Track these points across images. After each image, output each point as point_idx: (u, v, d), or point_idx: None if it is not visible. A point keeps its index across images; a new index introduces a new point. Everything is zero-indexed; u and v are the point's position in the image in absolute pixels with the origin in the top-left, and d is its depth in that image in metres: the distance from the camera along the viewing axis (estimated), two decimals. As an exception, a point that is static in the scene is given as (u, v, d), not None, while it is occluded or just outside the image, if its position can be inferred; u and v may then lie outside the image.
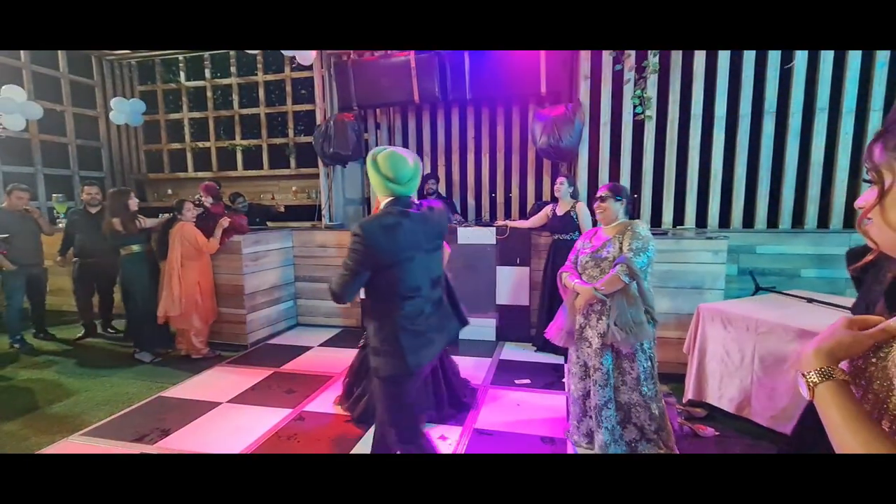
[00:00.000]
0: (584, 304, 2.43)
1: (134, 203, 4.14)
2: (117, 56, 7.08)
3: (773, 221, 4.33)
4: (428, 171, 5.55)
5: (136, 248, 4.08)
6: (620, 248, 2.35)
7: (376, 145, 5.72)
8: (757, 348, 2.72)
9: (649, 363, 2.38)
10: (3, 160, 5.91)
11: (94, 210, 4.56)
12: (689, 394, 3.07)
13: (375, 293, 1.79)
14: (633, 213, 2.53)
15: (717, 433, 2.76)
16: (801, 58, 4.06)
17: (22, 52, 6.10)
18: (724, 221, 4.43)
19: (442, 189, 5.58)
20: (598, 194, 2.47)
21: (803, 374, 0.69)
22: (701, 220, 4.46)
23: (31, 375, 3.78)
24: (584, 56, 4.49)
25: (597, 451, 2.49)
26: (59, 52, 6.57)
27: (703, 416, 2.99)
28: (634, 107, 4.35)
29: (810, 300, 3.05)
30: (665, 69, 4.32)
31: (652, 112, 4.34)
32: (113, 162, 7.38)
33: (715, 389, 2.95)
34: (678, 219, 4.50)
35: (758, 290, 3.65)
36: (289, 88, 6.69)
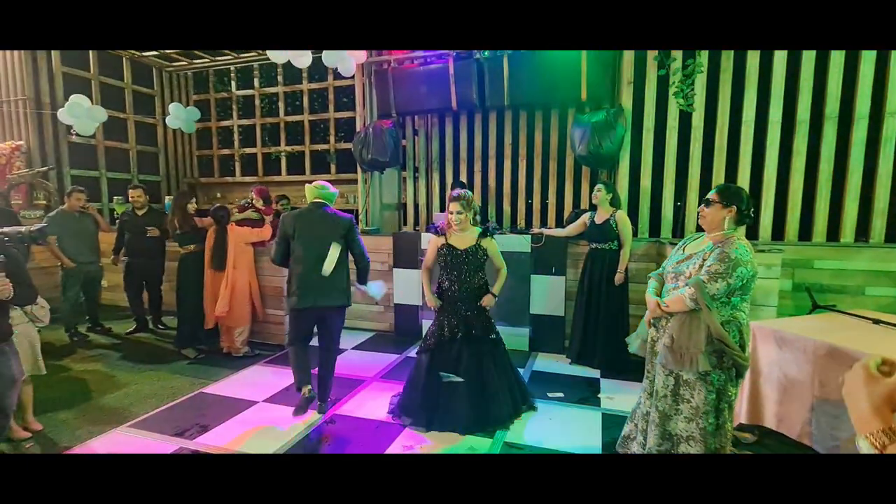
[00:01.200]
0: (648, 317, 2.27)
1: (192, 206, 4.42)
2: (175, 67, 7.53)
3: (833, 234, 4.01)
4: (464, 178, 5.54)
5: (193, 247, 4.28)
6: (701, 267, 2.04)
7: (414, 152, 5.78)
8: (816, 372, 2.50)
9: (714, 396, 2.09)
10: (72, 164, 6.40)
11: (140, 212, 4.80)
12: (741, 417, 2.86)
13: (291, 257, 3.04)
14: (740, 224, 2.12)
15: (766, 461, 2.56)
16: (867, 59, 3.76)
17: (91, 64, 6.59)
18: (779, 233, 4.15)
19: (477, 197, 5.55)
20: (706, 196, 2.14)
21: (868, 437, 0.60)
22: (752, 232, 4.20)
23: (86, 367, 4.04)
24: (628, 60, 4.35)
25: None
26: (125, 63, 7.06)
27: (752, 443, 2.79)
28: (678, 103, 4.15)
29: (877, 321, 2.79)
30: (715, 70, 4.12)
31: (695, 105, 4.13)
32: (169, 166, 7.84)
33: (772, 413, 2.74)
34: (727, 230, 4.25)
35: (815, 307, 3.38)
36: (331, 96, 6.88)
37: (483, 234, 2.91)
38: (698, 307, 2.01)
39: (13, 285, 1.96)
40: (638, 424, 2.46)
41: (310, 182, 3.22)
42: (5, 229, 2.14)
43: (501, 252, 4.27)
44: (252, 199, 4.56)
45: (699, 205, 2.23)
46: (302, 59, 4.68)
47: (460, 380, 2.90)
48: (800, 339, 2.60)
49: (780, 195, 4.11)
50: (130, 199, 4.86)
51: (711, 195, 2.13)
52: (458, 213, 2.83)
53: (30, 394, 2.86)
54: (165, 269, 5.04)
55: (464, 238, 2.89)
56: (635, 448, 2.46)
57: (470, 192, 2.95)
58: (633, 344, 2.47)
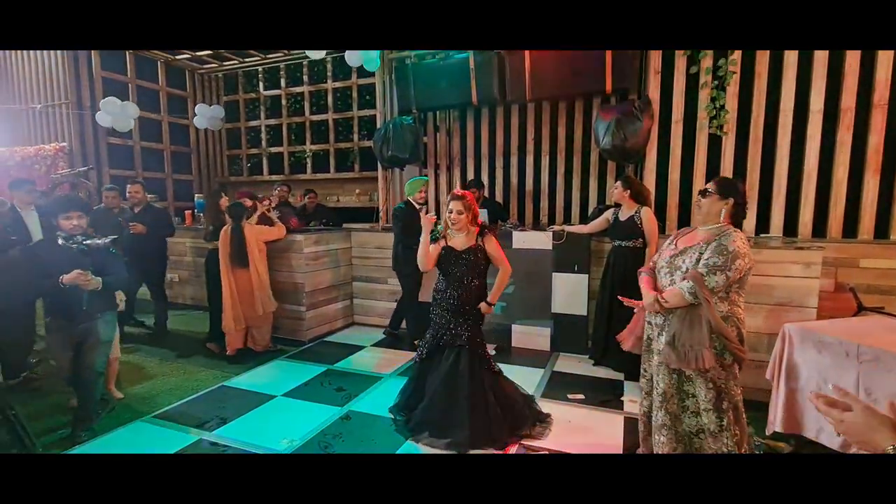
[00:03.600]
0: (643, 312, 2.22)
1: (224, 202, 4.35)
2: (207, 70, 7.75)
3: (882, 231, 3.73)
4: (485, 175, 5.46)
5: (218, 243, 4.24)
6: (698, 260, 2.02)
7: (436, 148, 5.74)
8: (861, 379, 2.31)
9: (713, 392, 2.06)
10: (111, 164, 6.69)
11: (137, 209, 4.65)
12: (776, 425, 2.68)
13: None
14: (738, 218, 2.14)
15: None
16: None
17: (128, 68, 6.87)
18: (820, 230, 3.89)
19: (499, 192, 5.47)
20: (702, 188, 2.14)
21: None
22: (790, 228, 3.95)
23: (121, 358, 4.18)
24: (655, 49, 4.17)
25: None
26: (159, 67, 7.32)
27: (789, 452, 2.62)
28: (710, 119, 3.99)
29: (929, 325, 2.57)
30: (750, 57, 3.89)
31: (726, 124, 3.98)
32: (201, 165, 8.09)
33: (813, 423, 2.55)
34: (762, 226, 4.02)
35: (861, 309, 3.14)
36: (355, 94, 6.93)
37: (482, 233, 2.75)
38: (697, 301, 1.97)
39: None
40: (641, 425, 2.41)
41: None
42: (89, 242, 2.77)
43: (523, 249, 4.25)
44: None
45: (698, 196, 2.20)
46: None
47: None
48: (842, 342, 2.41)
49: (822, 189, 3.85)
50: (128, 194, 4.67)
51: (708, 186, 2.13)
52: (459, 212, 2.68)
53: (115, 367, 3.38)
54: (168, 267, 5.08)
55: (462, 239, 2.75)
56: (640, 440, 2.42)
57: (475, 193, 2.83)
58: (628, 342, 2.40)
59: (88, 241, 2.75)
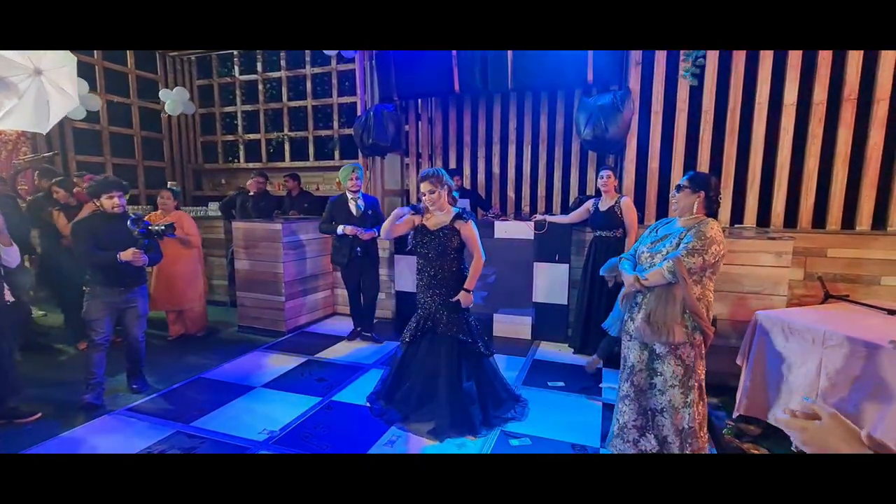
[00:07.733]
0: (625, 293, 2.34)
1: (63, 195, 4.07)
2: (178, 52, 7.46)
3: (849, 221, 3.87)
4: (468, 165, 5.44)
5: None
6: (678, 245, 2.16)
7: (417, 137, 5.69)
8: (824, 363, 2.41)
9: (682, 369, 2.19)
10: (77, 150, 6.41)
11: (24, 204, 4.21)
12: (741, 409, 2.79)
13: None
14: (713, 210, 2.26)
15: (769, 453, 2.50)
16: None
17: (94, 50, 6.56)
18: (791, 220, 4.01)
19: (481, 181, 5.47)
20: (677, 183, 2.27)
21: None
22: (763, 219, 4.06)
23: (91, 351, 4.06)
24: (637, 40, 4.19)
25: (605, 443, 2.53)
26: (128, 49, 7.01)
27: (757, 434, 2.72)
28: (687, 61, 4.01)
29: (892, 311, 2.68)
30: (727, 54, 3.95)
31: (705, 83, 4.01)
32: (173, 152, 7.82)
33: (773, 407, 2.67)
34: (737, 216, 4.13)
35: (827, 297, 3.27)
36: (334, 81, 6.78)
37: (458, 216, 2.69)
38: (675, 280, 2.11)
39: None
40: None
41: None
42: (153, 227, 3.08)
43: (505, 239, 4.27)
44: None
45: (673, 190, 2.31)
46: None
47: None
48: (808, 329, 2.51)
49: (793, 181, 3.96)
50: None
51: (682, 182, 2.23)
52: (430, 192, 2.64)
53: None
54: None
55: (437, 218, 2.70)
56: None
57: (441, 170, 2.72)
58: (615, 327, 2.51)
59: (152, 227, 3.06)
